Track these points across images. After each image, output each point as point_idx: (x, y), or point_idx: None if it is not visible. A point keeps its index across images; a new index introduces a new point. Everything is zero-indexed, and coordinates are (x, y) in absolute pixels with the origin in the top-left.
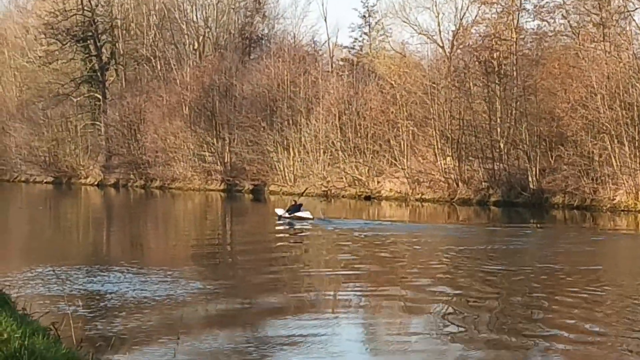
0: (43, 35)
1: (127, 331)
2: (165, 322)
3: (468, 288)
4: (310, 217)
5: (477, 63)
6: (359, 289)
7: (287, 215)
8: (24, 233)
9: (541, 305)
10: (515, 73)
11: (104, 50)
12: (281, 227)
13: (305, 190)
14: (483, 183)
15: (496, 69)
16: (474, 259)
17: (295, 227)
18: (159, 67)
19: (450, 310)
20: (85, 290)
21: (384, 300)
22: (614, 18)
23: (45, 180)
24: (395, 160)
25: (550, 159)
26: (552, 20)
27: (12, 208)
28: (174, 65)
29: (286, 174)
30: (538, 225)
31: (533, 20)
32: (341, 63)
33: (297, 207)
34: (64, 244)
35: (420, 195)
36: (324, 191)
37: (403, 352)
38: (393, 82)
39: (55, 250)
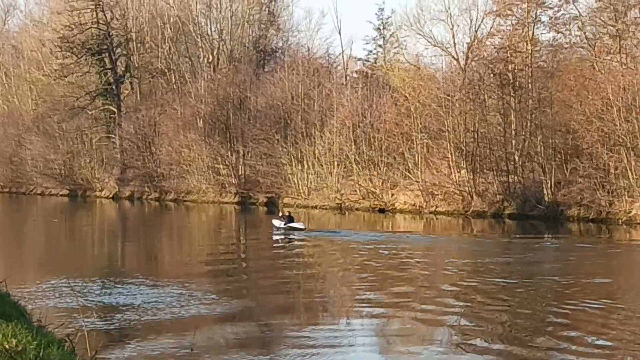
0: (59, 49)
1: (141, 344)
2: (179, 333)
3: (481, 299)
4: (303, 227)
5: (492, 75)
6: (374, 300)
7: (282, 226)
8: (39, 245)
9: (554, 318)
10: (530, 85)
11: (119, 63)
12: (277, 237)
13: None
14: (498, 196)
15: (511, 81)
16: (487, 271)
17: (290, 236)
18: (173, 80)
19: (464, 322)
20: (100, 302)
21: (399, 310)
22: (630, 29)
23: (60, 193)
24: (410, 172)
25: (566, 172)
26: (568, 32)
27: (28, 221)
28: (189, 78)
29: (300, 187)
30: (553, 238)
31: (548, 32)
32: (355, 75)
33: (290, 219)
34: (79, 257)
35: (434, 207)
36: (337, 204)
37: None
38: (407, 95)
39: (70, 263)
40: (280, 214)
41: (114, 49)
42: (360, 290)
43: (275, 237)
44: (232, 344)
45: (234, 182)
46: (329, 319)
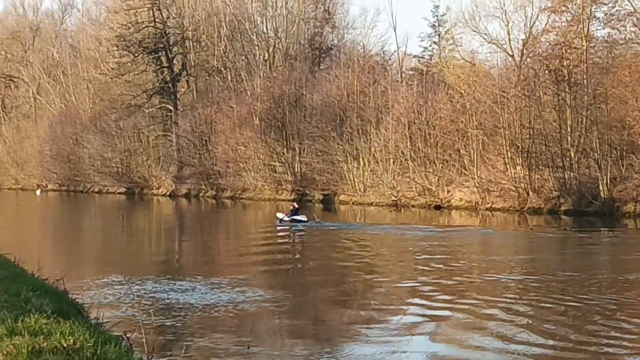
0: (115, 48)
1: (197, 340)
2: (235, 331)
3: (540, 292)
4: (305, 220)
5: (547, 71)
6: (428, 293)
7: (286, 218)
8: (97, 243)
9: (610, 313)
10: (585, 81)
11: (175, 61)
12: (280, 229)
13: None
14: (553, 192)
15: (566, 77)
16: (544, 265)
17: (294, 228)
18: (229, 78)
19: (520, 314)
20: (157, 299)
21: (453, 304)
22: None
23: (117, 191)
24: (465, 169)
25: (622, 168)
26: (623, 28)
27: (86, 219)
28: (245, 76)
29: (356, 184)
30: (609, 233)
31: (603, 28)
32: (410, 72)
33: (295, 211)
34: (136, 254)
35: (490, 204)
36: (393, 201)
37: None
38: (463, 91)
39: (127, 260)
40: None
41: (170, 47)
42: (415, 282)
43: (279, 229)
44: (289, 341)
45: (290, 179)
46: (385, 313)
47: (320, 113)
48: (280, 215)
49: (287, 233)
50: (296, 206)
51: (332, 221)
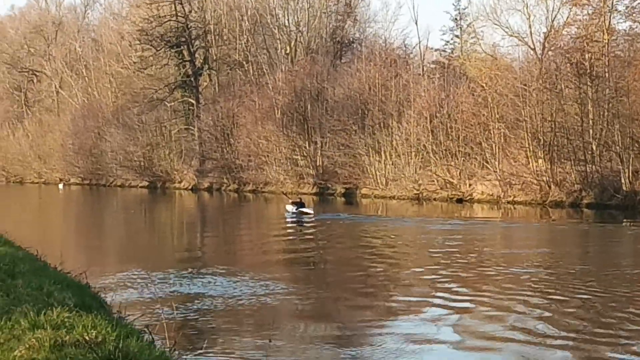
0: (138, 42)
1: (219, 334)
2: (257, 325)
3: (561, 285)
4: (311, 212)
5: (568, 65)
6: (448, 286)
7: (295, 210)
8: (119, 237)
9: (632, 307)
10: (607, 74)
11: (197, 55)
12: (289, 220)
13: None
14: (575, 185)
15: (588, 70)
16: (566, 256)
17: (301, 219)
18: (251, 72)
19: (541, 313)
20: (179, 293)
21: (475, 296)
22: None
23: (140, 185)
24: (487, 162)
25: None
26: None
27: (108, 212)
28: (266, 69)
29: (378, 177)
30: (632, 225)
31: (625, 22)
32: (432, 66)
33: (301, 204)
34: (158, 248)
35: (512, 197)
36: (415, 194)
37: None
38: (484, 85)
39: (149, 254)
40: (292, 201)
41: (192, 41)
42: (436, 275)
43: (288, 220)
44: (310, 336)
45: (311, 172)
46: (408, 306)
47: (341, 106)
48: (289, 207)
49: (310, 227)
50: (301, 199)
51: (354, 214)
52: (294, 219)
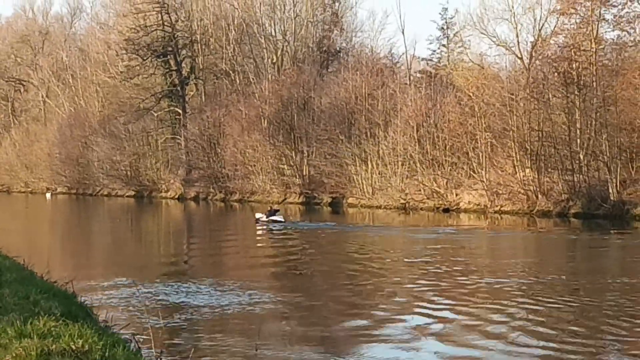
0: (124, 51)
1: (205, 343)
2: (243, 334)
3: (548, 294)
4: (282, 220)
5: (556, 74)
6: (433, 296)
7: (264, 219)
8: (106, 246)
9: (619, 315)
10: (595, 84)
11: (183, 65)
12: (260, 229)
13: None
14: (563, 195)
15: (575, 79)
16: (552, 266)
17: (272, 228)
18: (238, 81)
19: (527, 323)
20: (165, 302)
21: (461, 306)
22: None
23: (126, 194)
24: (474, 172)
25: (631, 170)
26: (633, 30)
27: (94, 222)
28: (253, 79)
29: (364, 187)
30: (619, 236)
31: (613, 31)
32: (419, 75)
33: (273, 212)
34: (145, 257)
35: (499, 207)
36: (402, 204)
37: None
38: (471, 94)
39: (136, 263)
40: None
41: (179, 50)
42: (420, 285)
43: (258, 229)
44: (297, 343)
45: (298, 182)
46: (393, 315)
47: (328, 116)
48: (258, 215)
49: (296, 236)
50: (274, 207)
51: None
52: (264, 227)
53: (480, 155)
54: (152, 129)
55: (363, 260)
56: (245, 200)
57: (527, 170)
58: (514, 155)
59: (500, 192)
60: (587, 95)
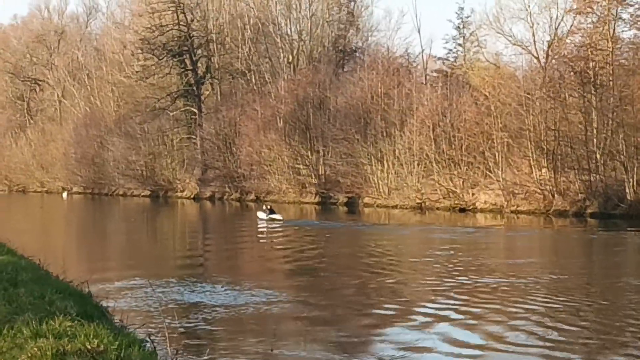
0: (140, 51)
1: (221, 343)
2: (259, 334)
3: (561, 299)
4: (280, 218)
5: (572, 73)
6: (448, 295)
7: (264, 217)
8: (121, 246)
9: (635, 317)
10: (611, 83)
11: (199, 64)
12: (261, 226)
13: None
14: (579, 194)
15: (592, 79)
16: (569, 265)
17: (271, 225)
18: (253, 81)
19: (541, 322)
20: (182, 302)
21: (476, 305)
22: None
23: (142, 194)
24: (490, 171)
25: None
26: None
27: (110, 221)
28: (269, 78)
29: (380, 186)
30: (636, 236)
31: (629, 30)
32: (435, 75)
33: (271, 211)
34: (161, 257)
35: (515, 207)
36: (418, 203)
37: None
38: (487, 93)
39: (152, 263)
40: (264, 207)
41: (195, 50)
42: (436, 283)
43: (260, 226)
44: (312, 342)
45: (314, 182)
46: (407, 315)
47: (344, 115)
48: (260, 214)
49: (311, 236)
50: (271, 206)
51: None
52: (264, 225)
53: (497, 154)
54: (167, 128)
55: (379, 259)
56: (261, 200)
57: (544, 170)
58: (530, 154)
59: (517, 191)
60: (604, 95)
